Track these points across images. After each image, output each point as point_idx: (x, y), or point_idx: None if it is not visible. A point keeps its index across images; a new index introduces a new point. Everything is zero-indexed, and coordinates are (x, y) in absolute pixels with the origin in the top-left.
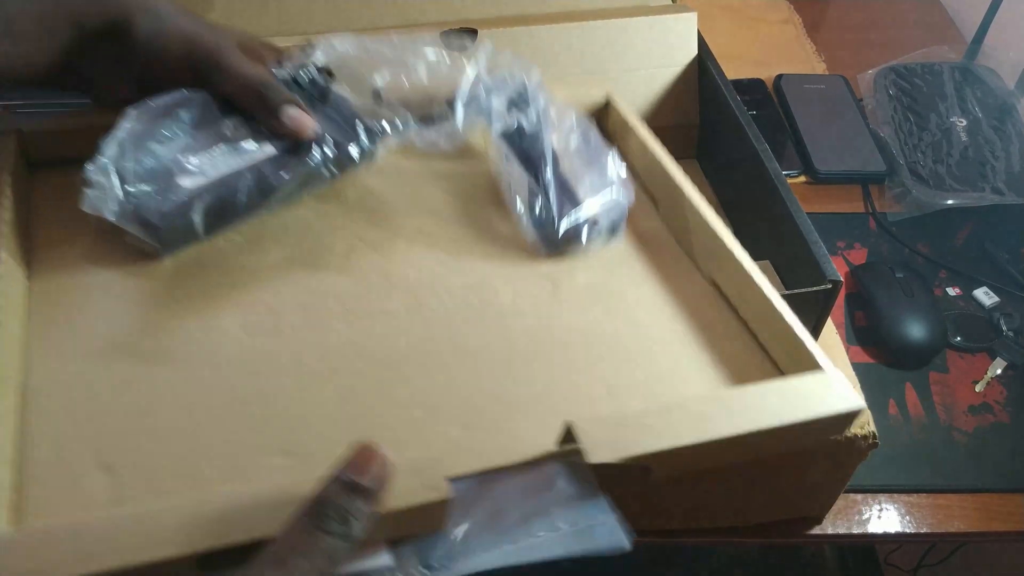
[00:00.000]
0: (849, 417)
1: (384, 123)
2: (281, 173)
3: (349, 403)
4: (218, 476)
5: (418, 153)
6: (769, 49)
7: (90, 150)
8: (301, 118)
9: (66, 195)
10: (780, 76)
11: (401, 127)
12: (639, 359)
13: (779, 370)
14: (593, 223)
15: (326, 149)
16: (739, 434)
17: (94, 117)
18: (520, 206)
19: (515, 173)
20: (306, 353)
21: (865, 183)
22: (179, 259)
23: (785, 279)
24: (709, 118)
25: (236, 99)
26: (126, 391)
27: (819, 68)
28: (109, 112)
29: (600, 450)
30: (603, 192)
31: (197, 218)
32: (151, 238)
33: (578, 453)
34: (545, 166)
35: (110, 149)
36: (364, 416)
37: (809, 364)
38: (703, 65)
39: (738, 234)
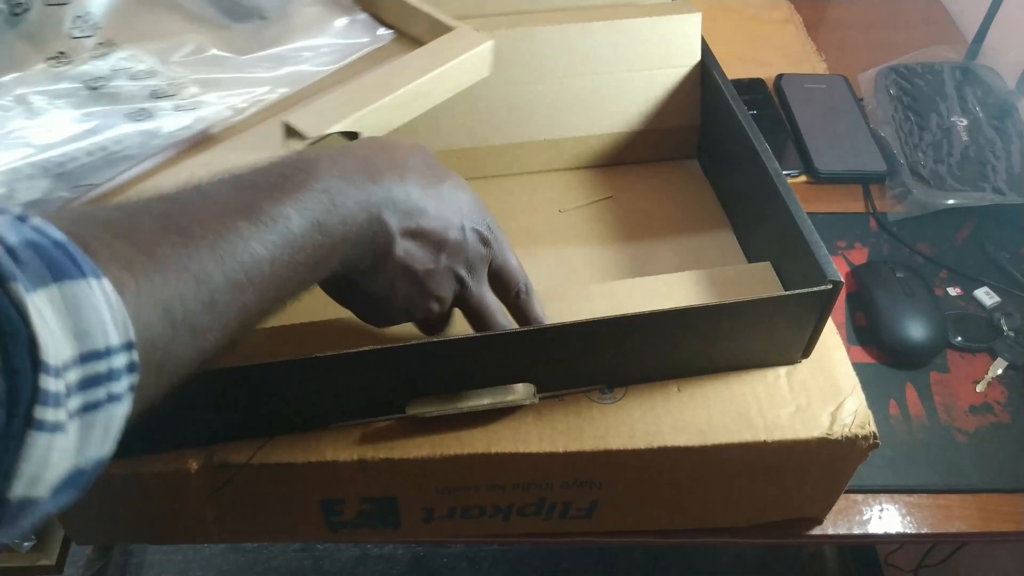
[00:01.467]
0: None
1: None
2: None
3: None
4: None
5: None
6: (769, 49)
7: None
8: None
9: None
10: (781, 76)
11: None
12: None
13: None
14: None
15: None
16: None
17: None
18: None
19: None
20: None
21: (866, 183)
22: None
23: (786, 280)
24: (710, 119)
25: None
26: None
27: (820, 68)
28: None
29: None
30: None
31: None
32: None
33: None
34: None
35: None
36: None
37: (442, 28)
38: (705, 66)
39: (740, 235)
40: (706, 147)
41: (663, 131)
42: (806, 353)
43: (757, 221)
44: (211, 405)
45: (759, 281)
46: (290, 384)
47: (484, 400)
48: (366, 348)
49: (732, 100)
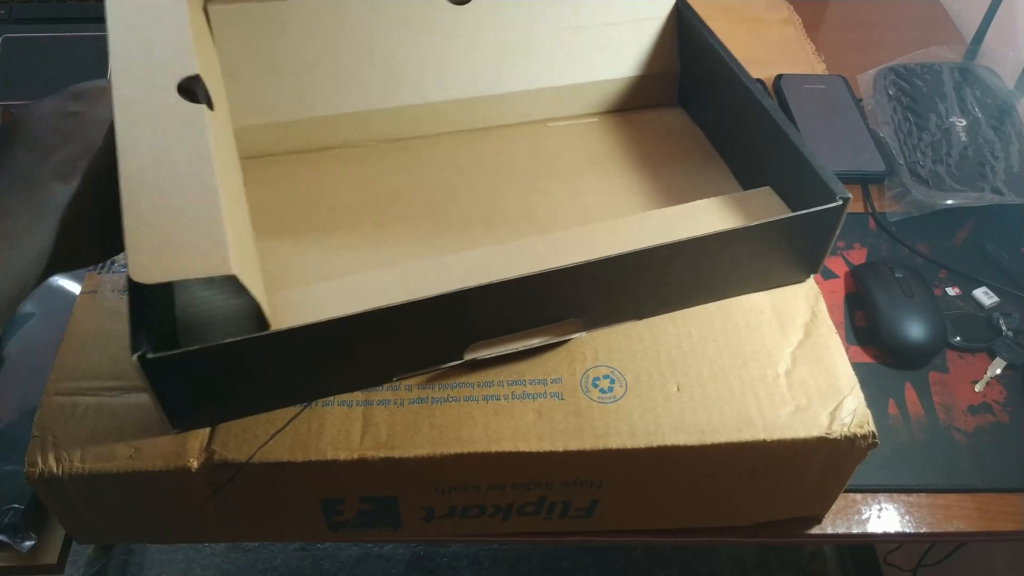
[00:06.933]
0: None
1: None
2: None
3: None
4: None
5: None
6: (769, 49)
7: None
8: None
9: None
10: (780, 76)
11: None
12: None
13: None
14: None
15: None
16: None
17: None
18: None
19: None
20: None
21: (865, 183)
22: None
23: (791, 204)
24: (693, 64)
25: None
26: None
27: (819, 68)
28: None
29: None
30: None
31: None
32: None
33: None
34: None
35: None
36: None
37: None
38: (683, 13)
39: (736, 170)
40: (691, 93)
41: (648, 78)
42: (815, 268)
43: (754, 155)
44: (265, 371)
45: (768, 204)
46: (354, 339)
47: (535, 339)
48: (424, 296)
49: (716, 43)
